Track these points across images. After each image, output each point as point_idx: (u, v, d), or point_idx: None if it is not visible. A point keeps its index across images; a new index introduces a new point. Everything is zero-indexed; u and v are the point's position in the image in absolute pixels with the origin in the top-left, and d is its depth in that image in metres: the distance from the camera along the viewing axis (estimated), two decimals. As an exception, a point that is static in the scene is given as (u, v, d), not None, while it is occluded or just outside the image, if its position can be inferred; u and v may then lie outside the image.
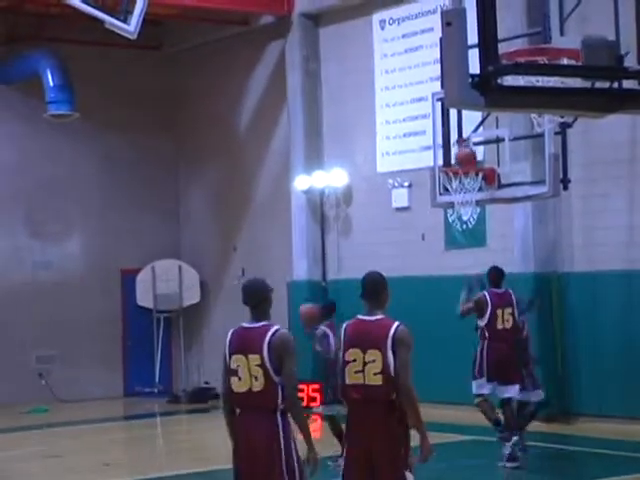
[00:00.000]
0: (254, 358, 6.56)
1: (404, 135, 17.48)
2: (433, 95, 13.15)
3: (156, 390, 20.80)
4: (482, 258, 16.01)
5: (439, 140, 12.84)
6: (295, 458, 6.63)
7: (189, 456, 14.06)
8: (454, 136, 12.83)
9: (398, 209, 17.52)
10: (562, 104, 7.93)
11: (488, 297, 12.11)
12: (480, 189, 12.43)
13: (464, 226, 16.32)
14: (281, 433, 6.57)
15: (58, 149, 20.56)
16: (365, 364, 6.78)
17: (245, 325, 6.77)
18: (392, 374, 6.70)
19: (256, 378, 6.56)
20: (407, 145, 17.38)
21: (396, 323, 6.83)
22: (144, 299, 21.05)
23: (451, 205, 13.06)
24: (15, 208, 20.22)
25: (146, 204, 21.24)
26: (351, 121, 18.35)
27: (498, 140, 12.90)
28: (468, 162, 12.46)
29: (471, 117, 12.71)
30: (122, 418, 19.30)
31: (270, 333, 6.60)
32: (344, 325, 7.05)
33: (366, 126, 18.02)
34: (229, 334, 6.79)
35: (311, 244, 18.71)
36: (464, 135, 12.86)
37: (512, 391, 11.90)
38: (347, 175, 18.27)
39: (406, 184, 17.31)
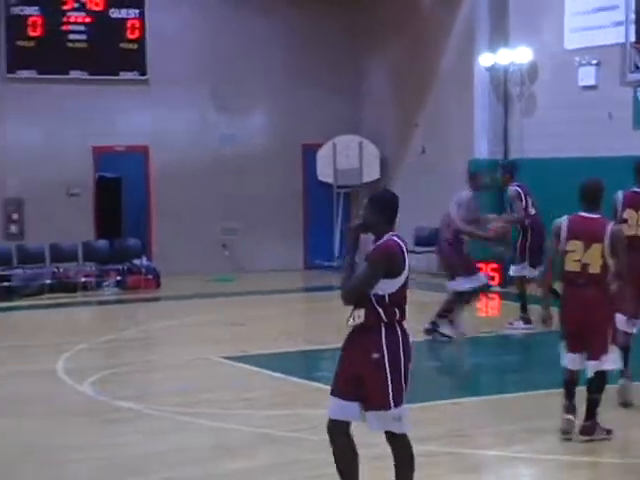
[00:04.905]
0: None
1: (593, 10, 16.86)
2: (627, -32, 12.63)
3: (335, 264, 21.14)
4: (672, 139, 15.50)
5: (632, 15, 12.38)
6: None
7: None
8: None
9: (585, 87, 17.03)
10: None
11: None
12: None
13: (654, 106, 15.76)
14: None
15: (244, 25, 20.74)
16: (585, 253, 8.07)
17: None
18: (608, 262, 8.02)
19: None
20: (597, 21, 16.75)
21: (611, 223, 8.16)
22: (325, 174, 21.30)
23: (641, 83, 12.64)
24: (202, 83, 20.60)
25: (328, 80, 21.29)
26: (539, -4, 17.82)
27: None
28: None
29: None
30: (302, 290, 19.77)
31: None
32: (566, 218, 8.18)
33: (554, 1, 17.47)
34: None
35: (493, 122, 18.45)
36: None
37: None
38: (532, 52, 17.83)
39: (594, 61, 16.76)
